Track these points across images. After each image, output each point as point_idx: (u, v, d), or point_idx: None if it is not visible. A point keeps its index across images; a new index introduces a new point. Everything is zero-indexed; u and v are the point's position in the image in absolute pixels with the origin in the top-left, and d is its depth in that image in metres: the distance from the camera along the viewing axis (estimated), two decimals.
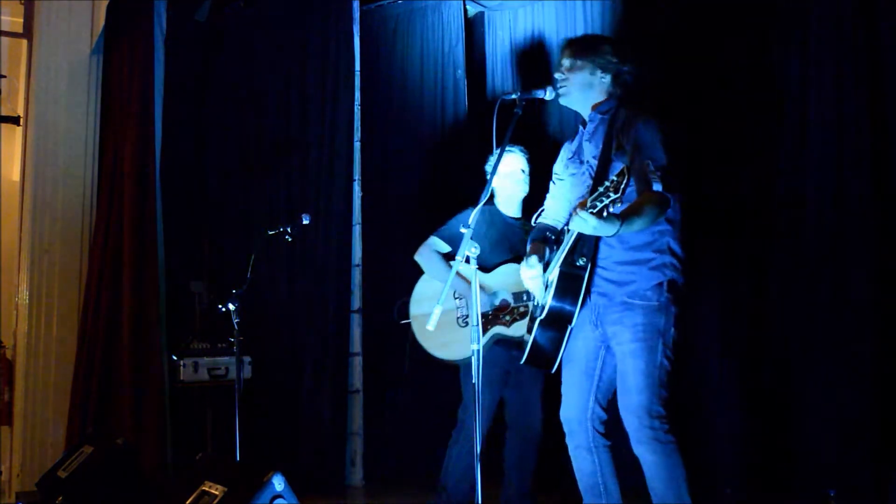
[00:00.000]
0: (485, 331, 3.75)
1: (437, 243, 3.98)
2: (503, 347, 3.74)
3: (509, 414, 3.93)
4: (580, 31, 5.08)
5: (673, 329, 2.91)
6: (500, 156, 2.90)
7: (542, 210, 3.33)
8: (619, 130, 2.97)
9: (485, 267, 3.79)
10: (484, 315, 3.78)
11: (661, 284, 2.92)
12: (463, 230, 2.72)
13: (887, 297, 3.89)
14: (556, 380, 3.14)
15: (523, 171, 3.92)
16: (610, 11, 4.98)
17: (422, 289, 4.01)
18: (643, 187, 2.76)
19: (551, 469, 3.80)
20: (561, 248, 2.90)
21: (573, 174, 3.15)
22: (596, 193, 2.55)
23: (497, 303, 3.80)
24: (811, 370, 4.06)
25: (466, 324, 3.81)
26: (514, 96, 2.99)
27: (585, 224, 2.62)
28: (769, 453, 4.15)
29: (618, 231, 2.67)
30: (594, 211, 2.53)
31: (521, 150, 3.91)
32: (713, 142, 4.43)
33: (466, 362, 3.74)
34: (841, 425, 3.93)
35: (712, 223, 4.41)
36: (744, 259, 4.33)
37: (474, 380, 2.68)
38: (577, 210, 2.60)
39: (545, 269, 3.05)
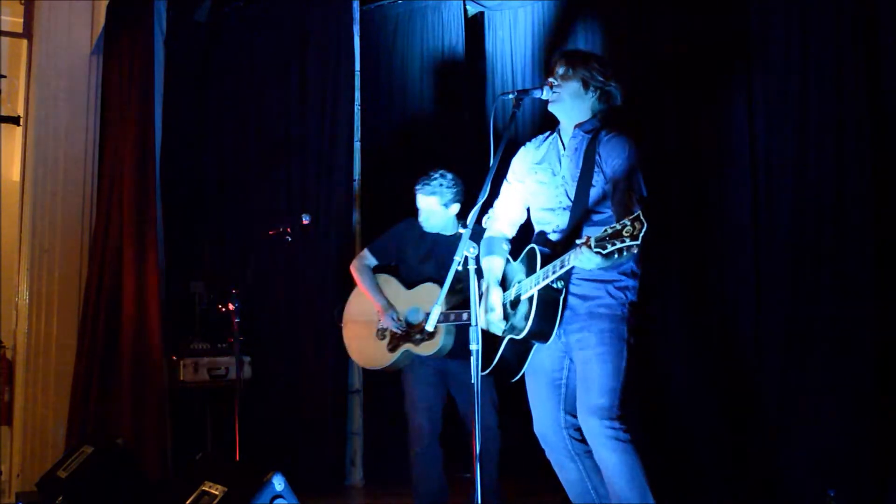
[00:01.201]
0: (396, 347, 3.96)
1: (367, 256, 4.19)
2: None
3: (462, 415, 4.01)
4: (580, 32, 5.09)
5: (633, 339, 2.98)
6: (498, 156, 2.89)
7: (493, 211, 3.30)
8: (602, 155, 3.00)
9: (408, 282, 4.04)
10: (396, 333, 3.97)
11: (623, 303, 2.99)
12: (461, 230, 2.71)
13: (887, 297, 3.89)
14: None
15: (427, 208, 3.98)
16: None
17: (353, 298, 4.24)
18: (625, 217, 2.77)
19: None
20: (542, 273, 2.90)
21: (542, 182, 3.13)
22: (604, 234, 2.52)
23: (414, 320, 3.97)
24: (812, 370, 4.06)
25: (384, 337, 4.02)
26: (512, 95, 2.99)
27: (589, 262, 2.65)
28: (769, 453, 4.15)
29: (611, 266, 2.75)
30: (604, 253, 2.52)
31: (424, 186, 3.98)
32: (710, 139, 4.43)
33: (377, 370, 4.11)
34: (841, 425, 3.93)
35: (717, 224, 4.41)
36: (744, 259, 4.32)
37: (473, 380, 2.68)
38: (582, 248, 2.59)
39: (504, 286, 3.09)
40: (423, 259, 4.03)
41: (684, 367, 4.44)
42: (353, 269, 4.18)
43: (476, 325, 2.70)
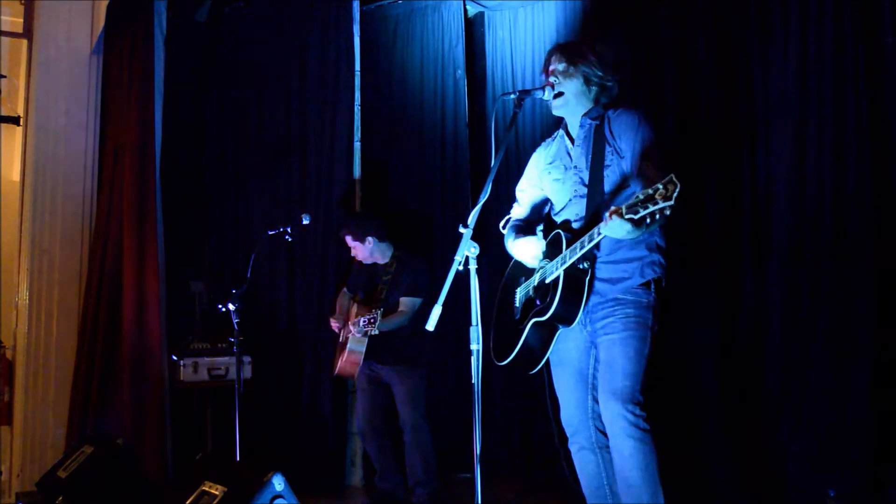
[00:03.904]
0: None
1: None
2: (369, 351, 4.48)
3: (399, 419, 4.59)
4: (580, 32, 5.09)
5: (657, 326, 2.98)
6: (499, 156, 2.90)
7: (510, 217, 3.36)
8: (611, 132, 3.00)
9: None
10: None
11: (649, 284, 2.97)
12: (462, 230, 2.72)
13: (887, 297, 3.88)
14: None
15: (351, 246, 4.71)
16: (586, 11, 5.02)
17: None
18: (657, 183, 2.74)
19: (550, 470, 3.81)
20: (569, 252, 2.88)
21: (557, 179, 3.15)
22: (635, 199, 2.47)
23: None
24: (811, 370, 4.06)
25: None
26: (513, 96, 3.00)
27: (620, 229, 2.60)
28: (768, 453, 4.15)
29: (642, 234, 2.73)
30: (636, 217, 2.47)
31: (346, 234, 4.68)
32: (713, 137, 4.43)
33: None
34: (840, 425, 3.92)
35: (716, 224, 4.41)
36: (744, 260, 4.32)
37: (474, 380, 2.68)
38: (613, 216, 2.55)
39: (526, 275, 3.13)
40: (356, 285, 4.78)
41: (683, 366, 4.43)
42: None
43: (476, 324, 2.70)
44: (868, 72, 3.97)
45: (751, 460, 4.19)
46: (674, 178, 2.40)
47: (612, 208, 2.56)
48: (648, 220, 2.46)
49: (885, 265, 3.90)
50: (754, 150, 4.31)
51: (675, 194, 2.38)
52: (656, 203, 2.42)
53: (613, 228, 2.61)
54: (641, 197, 2.46)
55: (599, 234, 2.72)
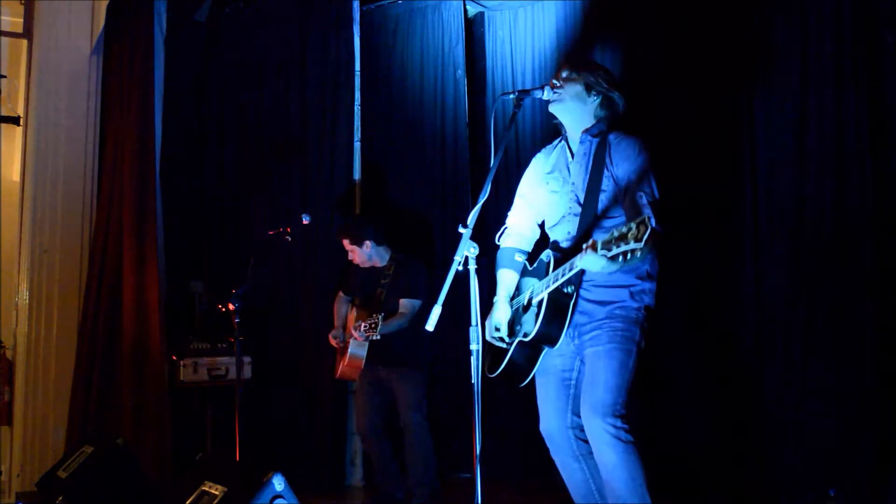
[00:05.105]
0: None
1: (341, 292, 4.93)
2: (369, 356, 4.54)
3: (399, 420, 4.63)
4: (580, 33, 5.09)
5: (644, 343, 2.99)
6: (498, 156, 2.90)
7: (506, 228, 3.35)
8: (610, 158, 3.01)
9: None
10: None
11: (639, 308, 3.00)
12: (461, 230, 2.72)
13: (887, 296, 3.88)
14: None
15: (349, 249, 4.71)
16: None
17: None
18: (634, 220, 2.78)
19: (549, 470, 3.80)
20: (553, 276, 2.93)
21: (554, 191, 3.16)
22: (610, 237, 2.51)
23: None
24: (812, 369, 4.06)
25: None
26: (512, 96, 3.00)
27: (595, 265, 2.65)
28: (769, 453, 4.15)
29: (619, 268, 2.73)
30: (609, 255, 2.51)
31: (343, 238, 4.69)
32: (711, 141, 4.43)
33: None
34: (840, 424, 3.92)
35: (717, 225, 4.41)
36: (744, 260, 4.33)
37: (474, 380, 2.68)
38: (588, 250, 2.60)
39: (515, 296, 3.15)
40: (355, 289, 4.80)
41: (684, 367, 4.44)
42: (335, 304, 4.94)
43: (476, 325, 2.70)
44: (868, 72, 3.98)
45: (750, 461, 4.20)
46: (646, 220, 2.42)
47: (590, 242, 2.60)
48: (621, 259, 2.49)
49: (886, 265, 3.90)
50: (754, 150, 4.31)
51: (645, 236, 2.41)
52: (628, 243, 2.45)
53: (589, 262, 2.67)
54: (616, 235, 2.50)
55: (577, 266, 2.76)
